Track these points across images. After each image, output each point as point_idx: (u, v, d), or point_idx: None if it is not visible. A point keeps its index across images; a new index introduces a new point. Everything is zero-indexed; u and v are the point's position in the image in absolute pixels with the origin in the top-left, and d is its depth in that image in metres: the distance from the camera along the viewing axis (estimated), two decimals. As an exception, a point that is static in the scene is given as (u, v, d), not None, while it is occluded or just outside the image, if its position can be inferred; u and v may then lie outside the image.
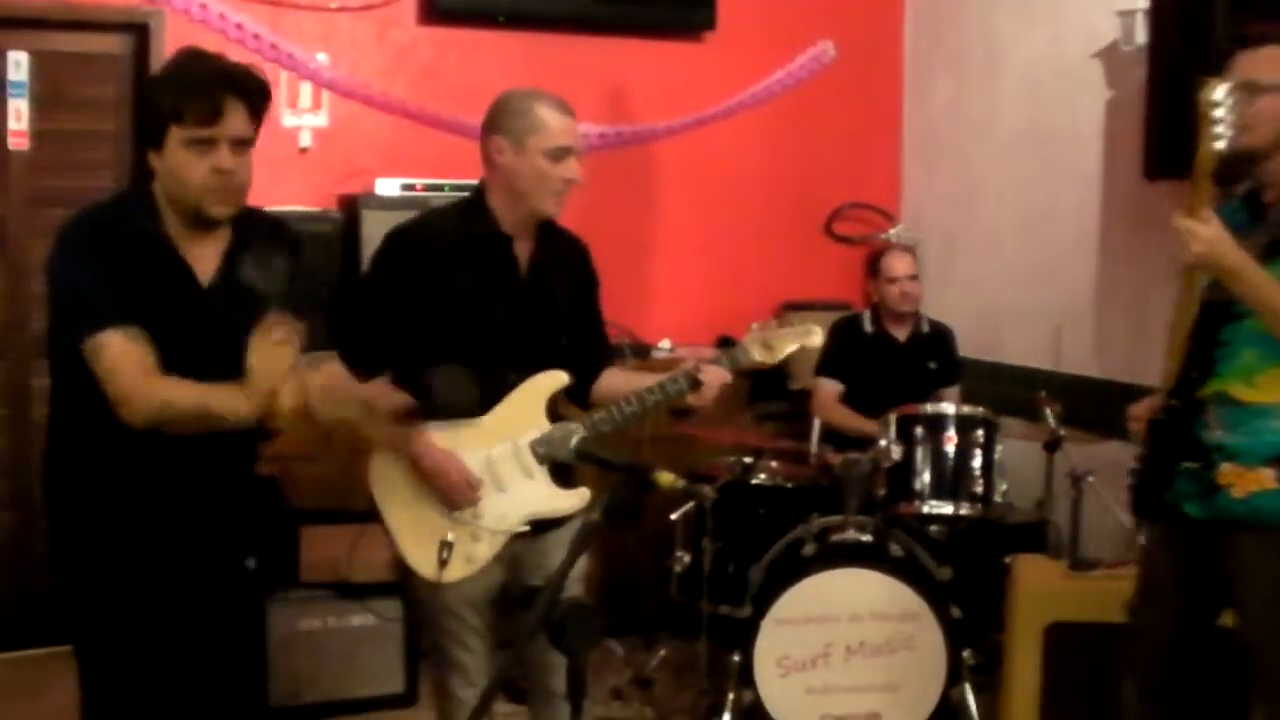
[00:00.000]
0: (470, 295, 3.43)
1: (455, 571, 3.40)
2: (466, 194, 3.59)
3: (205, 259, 2.98)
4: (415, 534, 3.44)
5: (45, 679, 5.16)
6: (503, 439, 3.46)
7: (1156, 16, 4.77)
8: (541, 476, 3.47)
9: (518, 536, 3.46)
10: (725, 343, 6.18)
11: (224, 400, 2.90)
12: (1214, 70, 4.37)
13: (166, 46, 5.37)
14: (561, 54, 5.96)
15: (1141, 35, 5.00)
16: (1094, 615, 4.09)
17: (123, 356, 2.82)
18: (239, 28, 5.22)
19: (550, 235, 3.58)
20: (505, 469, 3.46)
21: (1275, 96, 3.18)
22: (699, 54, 6.29)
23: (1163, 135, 4.70)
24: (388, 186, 5.45)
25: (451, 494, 3.40)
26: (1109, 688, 3.68)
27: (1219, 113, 3.01)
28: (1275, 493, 3.23)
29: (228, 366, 2.93)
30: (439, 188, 5.42)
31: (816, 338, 3.59)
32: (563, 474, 3.51)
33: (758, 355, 3.56)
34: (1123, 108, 5.25)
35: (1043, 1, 5.79)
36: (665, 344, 6.07)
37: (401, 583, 3.87)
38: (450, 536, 3.39)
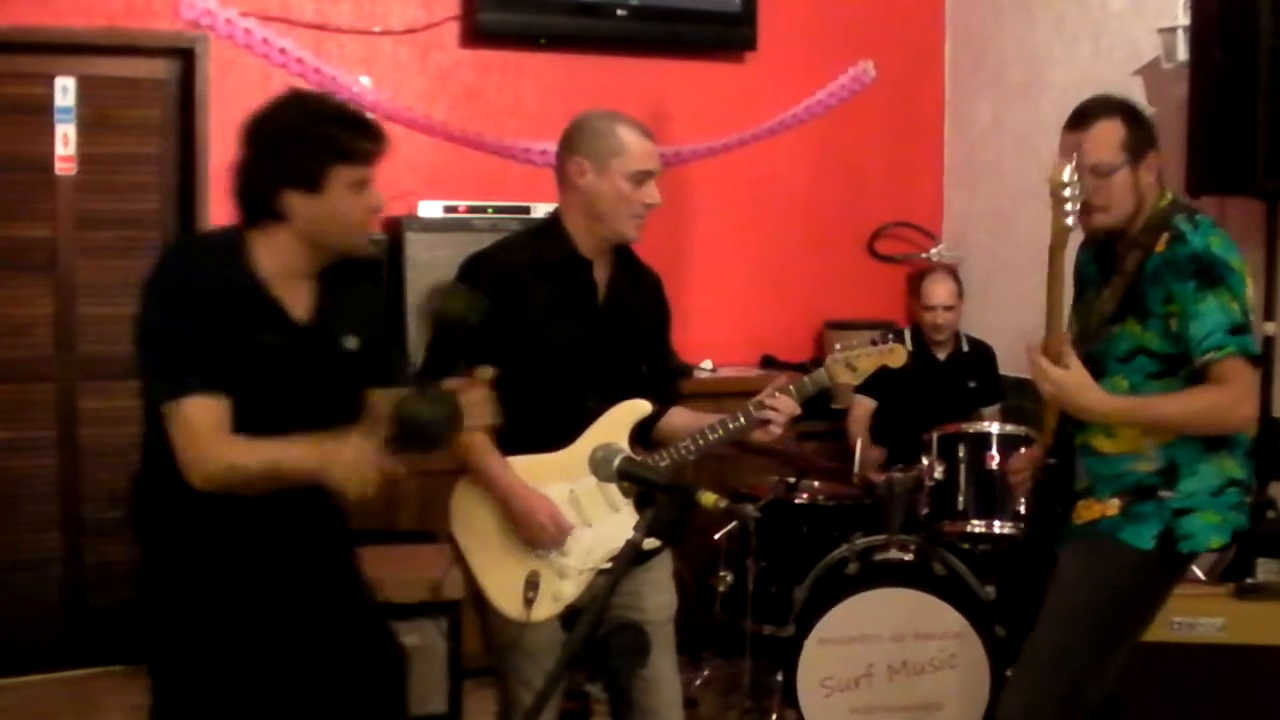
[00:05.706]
0: (548, 320, 3.34)
1: (543, 611, 3.28)
2: (541, 218, 3.52)
3: (297, 302, 2.89)
4: (498, 572, 3.33)
5: (96, 698, 5.23)
6: (587, 473, 3.23)
7: (1198, 33, 4.74)
8: (627, 510, 3.34)
9: (602, 573, 3.32)
10: (768, 362, 6.20)
11: (297, 456, 2.77)
12: (1257, 84, 4.41)
13: (211, 71, 5.45)
14: (603, 75, 5.98)
15: (1183, 52, 4.98)
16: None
17: (194, 422, 2.74)
18: (283, 52, 5.28)
19: (627, 262, 3.50)
20: (590, 503, 3.35)
21: (1121, 171, 3.38)
22: (740, 74, 6.29)
23: (1206, 151, 4.69)
24: (430, 209, 5.45)
25: (541, 537, 3.29)
26: (1152, 706, 3.69)
27: (1068, 192, 3.17)
28: (1115, 518, 3.35)
29: (322, 410, 2.86)
30: (482, 209, 5.44)
31: (900, 357, 3.48)
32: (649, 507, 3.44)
33: (842, 376, 3.44)
34: (1165, 124, 5.17)
35: (1083, 20, 5.77)
36: (707, 364, 6.06)
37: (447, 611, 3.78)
38: (536, 575, 3.28)
